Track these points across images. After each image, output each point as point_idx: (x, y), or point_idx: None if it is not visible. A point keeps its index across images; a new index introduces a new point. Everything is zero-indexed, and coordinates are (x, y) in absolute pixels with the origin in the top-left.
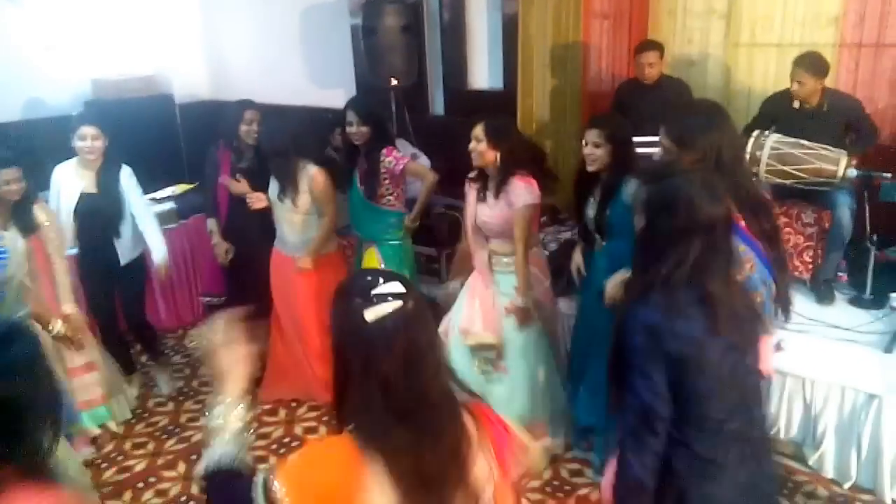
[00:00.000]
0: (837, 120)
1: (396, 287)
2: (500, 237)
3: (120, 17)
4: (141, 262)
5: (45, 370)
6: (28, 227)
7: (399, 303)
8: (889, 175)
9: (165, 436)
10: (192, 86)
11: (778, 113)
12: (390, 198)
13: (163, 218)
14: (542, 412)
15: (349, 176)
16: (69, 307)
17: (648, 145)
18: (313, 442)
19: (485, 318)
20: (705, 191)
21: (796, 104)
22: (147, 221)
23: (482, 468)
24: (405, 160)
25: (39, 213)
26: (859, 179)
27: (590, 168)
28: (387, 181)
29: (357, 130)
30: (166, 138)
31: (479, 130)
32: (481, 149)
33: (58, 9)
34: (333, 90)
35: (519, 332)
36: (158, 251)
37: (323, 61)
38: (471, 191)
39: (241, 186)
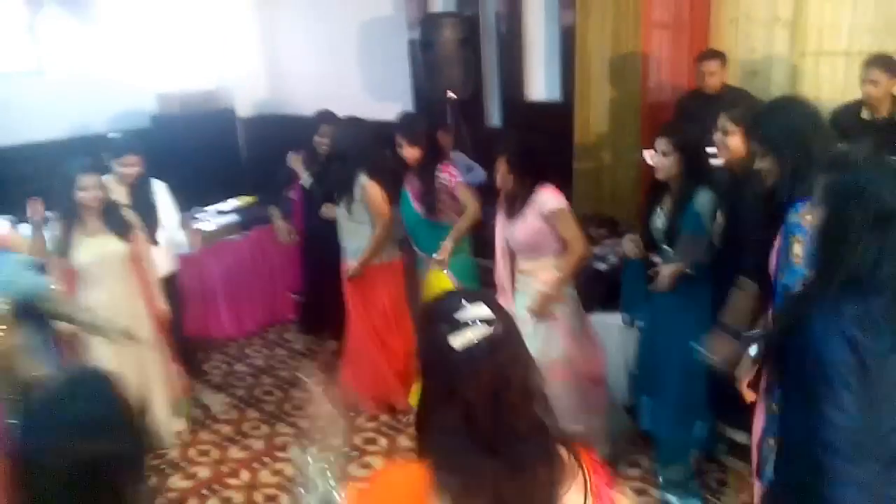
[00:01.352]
0: None
1: (483, 310)
2: (529, 252)
3: (183, 33)
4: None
5: (120, 421)
6: (124, 230)
7: (487, 328)
8: None
9: (227, 443)
10: (253, 100)
11: (847, 126)
12: (450, 212)
13: (226, 230)
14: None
15: (399, 193)
16: (162, 304)
17: (713, 156)
18: (386, 468)
19: None
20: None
21: (866, 114)
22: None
23: None
24: (458, 179)
25: (129, 216)
26: None
27: (657, 177)
28: (444, 196)
29: (407, 152)
30: (228, 152)
31: (503, 166)
32: (504, 176)
33: (123, 25)
34: (391, 103)
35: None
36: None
37: (381, 75)
38: (500, 212)
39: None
